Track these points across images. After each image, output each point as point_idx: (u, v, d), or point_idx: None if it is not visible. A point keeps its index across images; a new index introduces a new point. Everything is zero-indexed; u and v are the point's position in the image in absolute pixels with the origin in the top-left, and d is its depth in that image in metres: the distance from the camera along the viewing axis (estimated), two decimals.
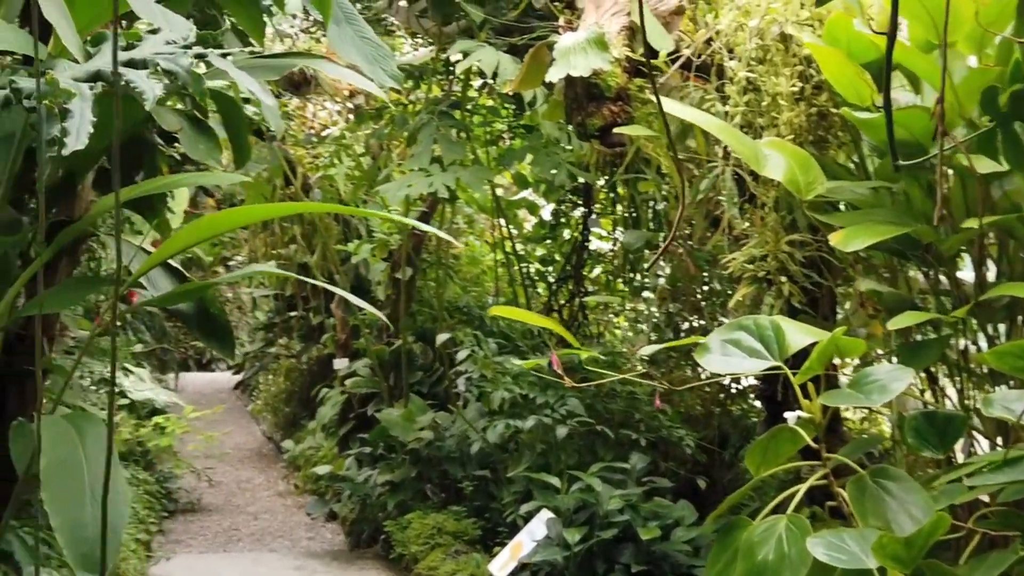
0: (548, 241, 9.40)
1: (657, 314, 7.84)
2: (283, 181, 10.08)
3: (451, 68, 8.49)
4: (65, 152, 2.43)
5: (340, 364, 9.73)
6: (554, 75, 5.48)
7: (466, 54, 6.98)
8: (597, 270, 9.27)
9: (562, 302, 8.88)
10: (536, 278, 9.52)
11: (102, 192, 3.73)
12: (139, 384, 9.82)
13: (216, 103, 4.15)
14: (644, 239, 7.24)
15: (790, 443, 4.06)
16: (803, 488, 3.87)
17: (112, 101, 3.34)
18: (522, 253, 9.79)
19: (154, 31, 2.82)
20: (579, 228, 8.89)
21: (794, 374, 3.83)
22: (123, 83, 2.55)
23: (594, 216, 8.80)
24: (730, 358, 4.01)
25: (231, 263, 16.05)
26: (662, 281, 7.68)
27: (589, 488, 6.08)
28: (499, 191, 10.54)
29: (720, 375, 5.74)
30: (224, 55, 3.35)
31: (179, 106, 4.13)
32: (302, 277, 4.44)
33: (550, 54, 5.65)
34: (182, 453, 10.46)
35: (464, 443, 7.37)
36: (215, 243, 15.23)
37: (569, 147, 7.44)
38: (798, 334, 4.05)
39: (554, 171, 7.25)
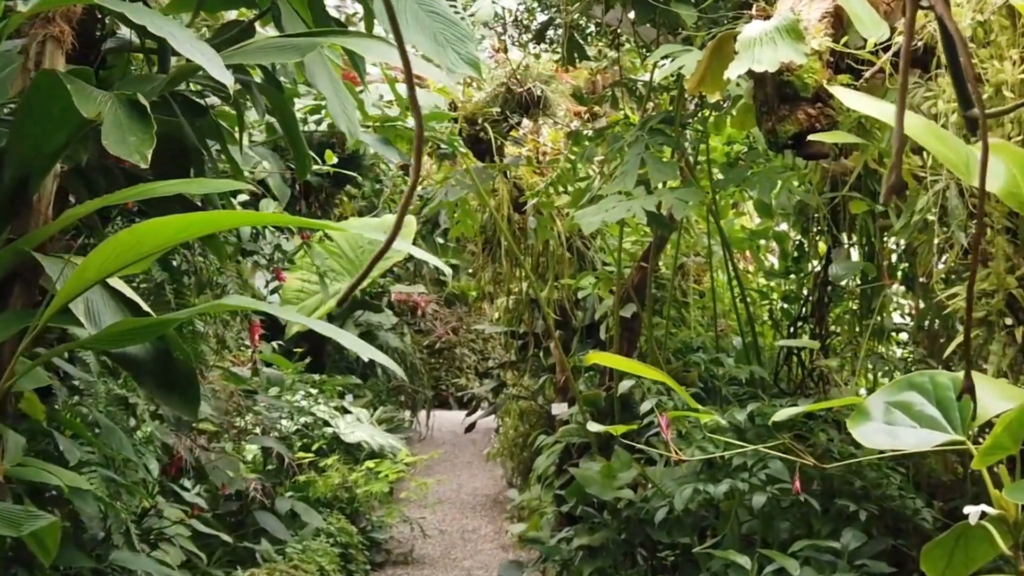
0: (792, 276, 8.29)
1: (905, 360, 6.66)
2: (511, 208, 9.44)
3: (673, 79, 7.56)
4: None
5: (558, 409, 8.90)
6: (734, 71, 4.53)
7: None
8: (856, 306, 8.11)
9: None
10: (780, 317, 8.43)
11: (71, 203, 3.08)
12: (355, 425, 9.28)
13: (266, 98, 3.46)
14: (855, 270, 6.10)
15: (986, 545, 2.99)
16: None
17: (64, 88, 2.70)
18: (764, 289, 8.75)
19: None
20: (823, 261, 7.75)
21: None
22: None
23: (841, 246, 7.65)
24: (895, 428, 2.96)
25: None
26: (900, 318, 6.53)
27: (785, 571, 5.05)
28: (743, 220, 9.56)
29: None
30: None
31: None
32: (250, 303, 3.57)
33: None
34: (405, 500, 9.95)
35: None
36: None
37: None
38: (993, 397, 2.97)
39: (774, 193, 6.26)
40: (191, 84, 4.00)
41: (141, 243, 2.65)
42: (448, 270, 3.17)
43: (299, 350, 9.84)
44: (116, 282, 3.02)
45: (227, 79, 2.72)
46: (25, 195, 3.03)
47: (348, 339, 3.12)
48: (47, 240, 3.05)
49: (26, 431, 3.82)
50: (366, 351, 3.05)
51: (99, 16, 3.56)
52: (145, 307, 3.04)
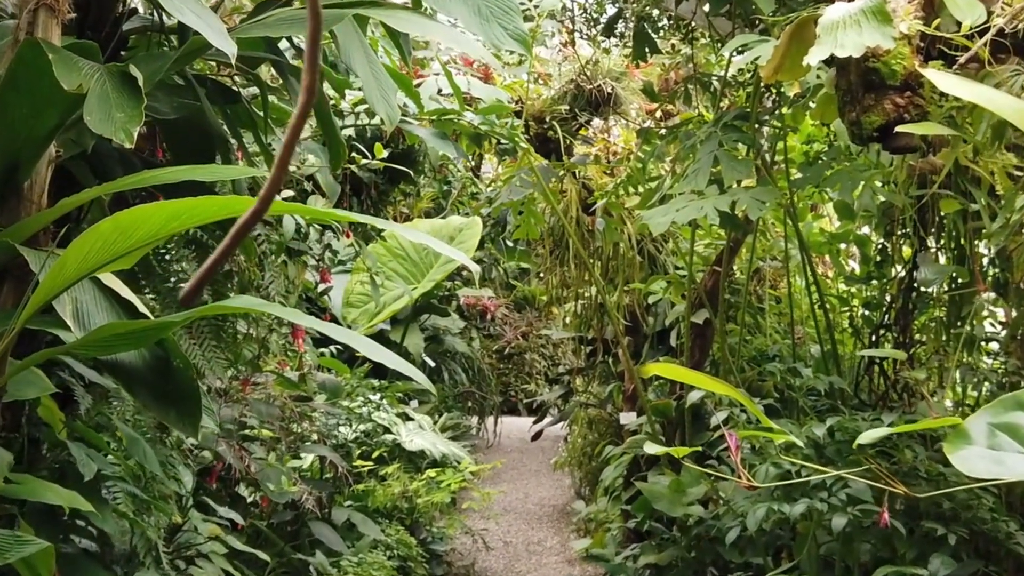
0: (874, 281, 7.84)
1: (996, 372, 6.22)
2: (579, 209, 9.11)
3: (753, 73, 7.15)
4: None
5: (626, 419, 8.51)
6: (814, 57, 4.16)
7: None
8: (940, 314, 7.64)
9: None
10: (861, 324, 8.00)
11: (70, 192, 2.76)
12: (416, 432, 8.95)
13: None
14: (945, 275, 5.68)
15: None
16: None
17: (48, 61, 2.41)
18: (844, 295, 8.32)
19: None
20: (907, 265, 7.30)
21: None
22: None
23: (928, 250, 7.20)
24: (1001, 454, 2.58)
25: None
26: (991, 327, 6.10)
27: None
28: (823, 222, 9.13)
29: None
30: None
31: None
32: (251, 304, 3.21)
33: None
34: (468, 510, 9.65)
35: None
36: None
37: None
38: None
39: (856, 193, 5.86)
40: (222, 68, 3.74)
41: (126, 234, 2.32)
42: (477, 268, 2.82)
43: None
44: (111, 280, 2.72)
45: (229, 48, 2.42)
46: (14, 182, 2.71)
47: (364, 344, 2.80)
48: (40, 232, 2.76)
49: (44, 442, 3.57)
50: (390, 359, 2.74)
51: None
52: (143, 309, 2.72)
